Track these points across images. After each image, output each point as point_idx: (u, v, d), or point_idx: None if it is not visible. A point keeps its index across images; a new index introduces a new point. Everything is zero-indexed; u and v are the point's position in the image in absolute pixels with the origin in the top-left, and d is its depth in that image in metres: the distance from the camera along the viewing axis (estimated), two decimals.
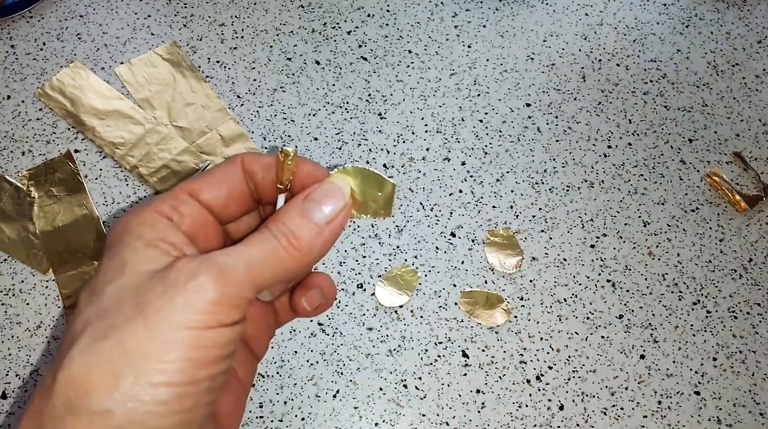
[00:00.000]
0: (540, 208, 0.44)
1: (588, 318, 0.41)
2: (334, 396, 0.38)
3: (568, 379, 0.39)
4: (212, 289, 0.20)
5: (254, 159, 0.25)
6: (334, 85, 0.48)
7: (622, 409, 0.38)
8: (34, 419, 0.20)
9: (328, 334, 0.40)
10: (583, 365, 0.40)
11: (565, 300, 0.41)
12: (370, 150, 0.46)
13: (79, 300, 0.22)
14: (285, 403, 0.38)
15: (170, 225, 0.23)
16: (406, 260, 0.42)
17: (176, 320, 0.20)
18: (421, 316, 0.41)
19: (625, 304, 0.41)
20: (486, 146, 0.46)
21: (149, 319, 0.20)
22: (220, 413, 0.24)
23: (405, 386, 0.39)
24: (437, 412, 0.38)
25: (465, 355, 0.40)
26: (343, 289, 0.41)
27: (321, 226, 0.24)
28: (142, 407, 0.19)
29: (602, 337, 0.40)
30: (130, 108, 0.47)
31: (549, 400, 0.39)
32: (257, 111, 0.47)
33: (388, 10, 0.52)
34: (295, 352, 0.40)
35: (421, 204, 0.44)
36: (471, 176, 0.45)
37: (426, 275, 0.42)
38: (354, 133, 0.47)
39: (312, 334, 0.40)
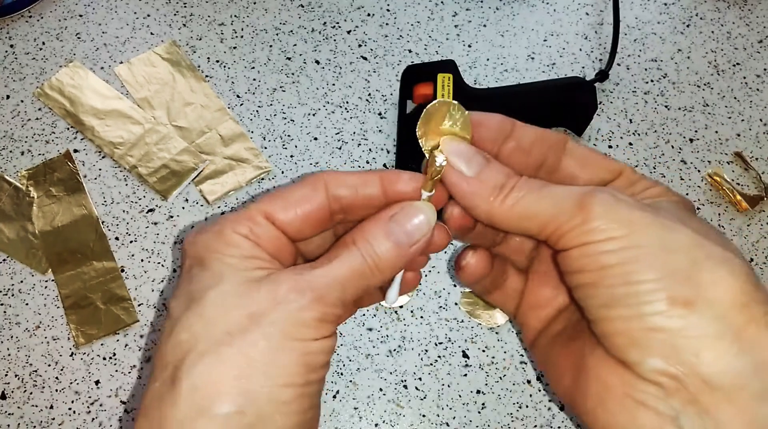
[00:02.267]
0: None
1: None
2: (334, 396, 0.38)
3: None
4: (317, 309, 0.23)
5: (339, 182, 0.25)
6: (334, 84, 0.48)
7: None
8: (156, 424, 0.21)
9: None
10: None
11: None
12: (370, 150, 0.46)
13: (171, 308, 0.24)
14: None
15: (253, 245, 0.24)
16: None
17: (289, 333, 0.22)
18: (421, 317, 0.41)
19: None
20: None
21: (265, 330, 0.22)
22: None
23: (405, 387, 0.39)
24: (437, 413, 0.38)
25: (465, 355, 0.40)
26: None
27: (404, 249, 0.25)
28: (270, 407, 0.21)
29: None
30: (129, 107, 0.47)
31: (549, 401, 0.38)
32: (257, 110, 0.47)
33: (388, 10, 0.52)
34: None
35: None
36: None
37: (426, 275, 0.42)
38: (354, 132, 0.46)
39: None
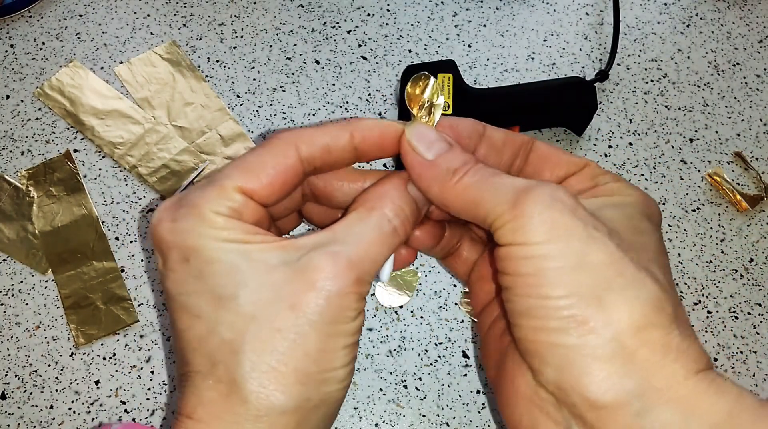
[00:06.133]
0: None
1: None
2: None
3: None
4: (355, 290, 0.23)
5: (310, 143, 0.25)
6: (334, 84, 0.48)
7: None
8: (229, 424, 0.22)
9: None
10: None
11: None
12: None
13: (191, 306, 0.23)
14: None
15: (240, 223, 0.23)
16: None
17: (334, 317, 0.23)
18: (422, 317, 0.41)
19: None
20: None
21: (313, 322, 0.22)
22: None
23: (405, 387, 0.39)
24: (437, 413, 0.38)
25: (465, 355, 0.40)
26: None
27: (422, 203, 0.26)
28: (329, 387, 0.23)
29: None
30: (129, 108, 0.47)
31: None
32: (257, 111, 0.47)
33: (388, 10, 0.52)
34: None
35: None
36: None
37: (426, 275, 0.42)
38: None
39: None
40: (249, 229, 0.23)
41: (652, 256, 0.23)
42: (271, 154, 0.24)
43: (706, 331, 0.41)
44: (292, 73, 0.49)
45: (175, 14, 0.51)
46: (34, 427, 0.37)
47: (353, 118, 0.26)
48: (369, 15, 0.52)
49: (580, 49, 0.50)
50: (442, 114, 0.27)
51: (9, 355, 0.39)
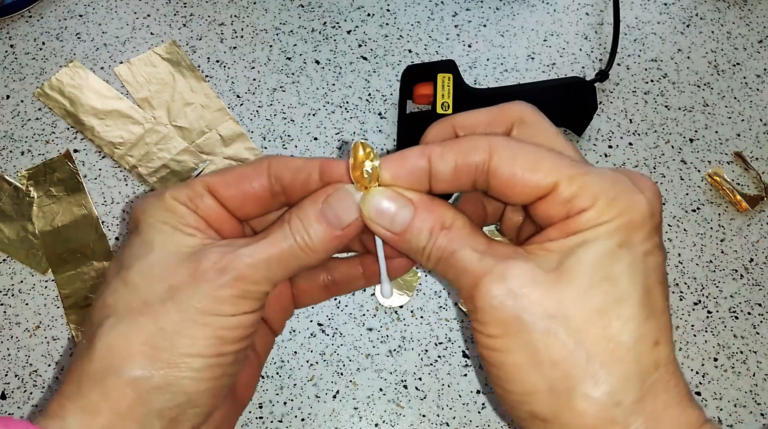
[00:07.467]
0: None
1: None
2: (334, 396, 0.38)
3: None
4: (237, 286, 0.23)
5: (281, 164, 0.26)
6: (333, 84, 0.48)
7: None
8: (75, 379, 0.23)
9: (327, 335, 0.40)
10: None
11: None
12: None
13: (107, 270, 0.25)
14: (285, 403, 0.38)
15: (190, 212, 0.25)
16: None
17: (205, 307, 0.23)
18: (422, 317, 0.41)
19: None
20: None
21: (181, 304, 0.23)
22: (239, 384, 0.27)
23: (405, 387, 0.39)
24: (437, 413, 0.38)
25: (465, 355, 0.40)
26: None
27: (336, 231, 0.25)
28: (179, 372, 0.23)
29: None
30: (129, 108, 0.47)
31: None
32: (257, 111, 0.47)
33: (388, 10, 0.52)
34: (295, 352, 0.39)
35: None
36: None
37: (426, 275, 0.42)
38: (354, 132, 0.46)
39: (312, 334, 0.40)
40: (192, 220, 0.25)
41: (627, 312, 0.22)
42: (245, 166, 0.26)
43: (706, 331, 0.41)
44: (292, 73, 0.49)
45: (175, 14, 0.51)
46: None
47: (328, 158, 0.26)
48: (369, 15, 0.52)
49: (580, 49, 0.50)
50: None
51: (9, 355, 0.39)
